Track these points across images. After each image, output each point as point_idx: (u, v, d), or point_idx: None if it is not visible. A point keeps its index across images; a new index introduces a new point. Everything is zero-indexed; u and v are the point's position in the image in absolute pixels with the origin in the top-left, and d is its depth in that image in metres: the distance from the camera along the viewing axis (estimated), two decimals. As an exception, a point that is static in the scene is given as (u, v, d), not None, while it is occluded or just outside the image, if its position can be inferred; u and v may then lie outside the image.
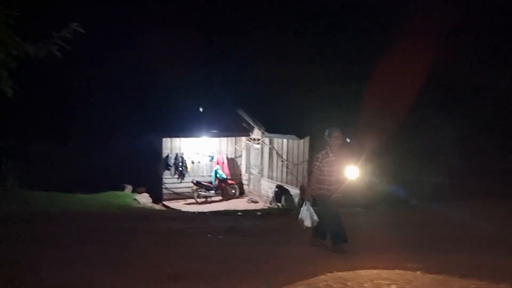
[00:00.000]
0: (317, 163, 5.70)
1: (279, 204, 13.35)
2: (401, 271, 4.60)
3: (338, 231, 5.64)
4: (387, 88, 13.70)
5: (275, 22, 16.78)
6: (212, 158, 15.97)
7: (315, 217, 5.63)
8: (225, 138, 16.22)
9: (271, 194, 14.16)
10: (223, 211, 10.43)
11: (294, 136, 13.00)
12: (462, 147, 11.70)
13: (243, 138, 16.30)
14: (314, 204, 5.75)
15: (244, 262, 5.43)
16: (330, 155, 5.66)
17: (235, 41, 16.82)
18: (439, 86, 13.08)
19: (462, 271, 4.65)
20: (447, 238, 6.50)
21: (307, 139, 12.94)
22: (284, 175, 14.18)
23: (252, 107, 15.07)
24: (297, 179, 13.45)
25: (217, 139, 16.02)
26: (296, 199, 13.08)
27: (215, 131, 15.05)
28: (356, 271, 4.71)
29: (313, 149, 12.87)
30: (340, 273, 4.70)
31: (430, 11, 14.07)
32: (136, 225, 8.43)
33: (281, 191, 13.71)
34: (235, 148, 16.59)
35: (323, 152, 5.73)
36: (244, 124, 15.49)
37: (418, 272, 4.53)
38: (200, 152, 15.95)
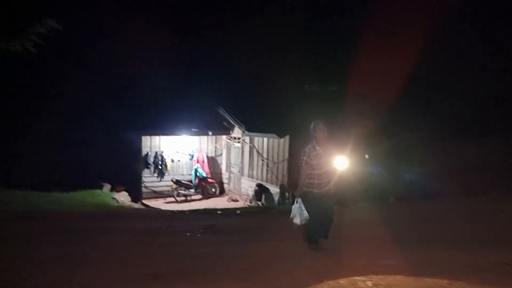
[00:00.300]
0: (305, 158, 5.51)
1: (259, 203, 13.38)
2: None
3: (315, 230, 5.55)
4: (366, 88, 13.88)
5: (257, 21, 16.78)
6: (192, 157, 15.89)
7: (305, 214, 5.46)
8: (206, 137, 16.16)
9: (251, 192, 14.17)
10: (203, 209, 10.40)
11: (274, 135, 13.05)
12: (439, 146, 11.93)
13: (224, 137, 16.27)
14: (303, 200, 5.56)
15: (222, 261, 5.44)
16: (317, 148, 5.52)
17: (216, 40, 16.76)
18: (417, 86, 13.29)
19: (438, 268, 4.75)
20: (418, 235, 6.61)
21: (287, 138, 13.00)
22: (265, 173, 14.21)
23: (233, 106, 15.07)
24: (277, 177, 13.50)
25: (197, 138, 15.95)
26: (276, 198, 13.14)
27: (196, 129, 14.97)
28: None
29: (293, 148, 12.97)
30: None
31: (410, 11, 14.26)
32: (114, 224, 8.33)
33: (261, 190, 13.73)
34: (216, 147, 16.54)
35: (309, 146, 5.57)
36: (224, 123, 15.46)
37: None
38: (180, 151, 15.85)
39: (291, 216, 5.60)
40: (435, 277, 4.35)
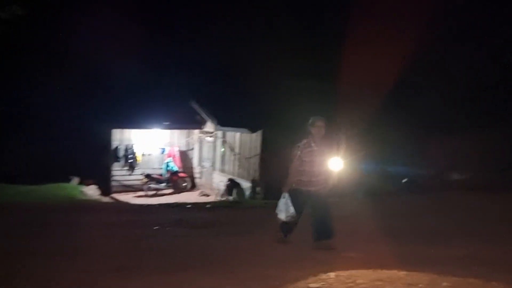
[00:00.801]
0: (298, 153, 5.34)
1: (231, 198, 13.41)
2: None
3: (286, 226, 5.48)
4: (344, 85, 14.07)
5: (231, 12, 16.69)
6: (164, 151, 15.77)
7: (291, 211, 5.28)
8: (177, 131, 16.05)
9: (223, 187, 14.18)
10: (172, 203, 10.37)
11: (246, 130, 13.08)
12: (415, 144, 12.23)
13: (196, 131, 16.20)
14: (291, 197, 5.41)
15: (189, 254, 5.47)
16: (312, 145, 5.34)
17: (188, 32, 16.61)
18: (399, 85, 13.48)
19: (399, 260, 4.91)
20: (385, 229, 6.78)
21: (259, 133, 13.06)
22: (236, 168, 14.25)
23: (206, 99, 15.00)
24: (249, 172, 13.55)
25: (169, 131, 15.82)
26: (248, 193, 13.20)
27: (167, 123, 14.85)
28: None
29: (266, 143, 13.04)
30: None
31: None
32: (80, 218, 8.21)
33: (232, 185, 13.76)
34: (188, 141, 16.46)
35: (304, 141, 5.39)
36: (197, 117, 15.39)
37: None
38: (151, 144, 15.69)
39: (276, 210, 5.46)
40: (394, 269, 4.51)
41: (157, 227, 7.27)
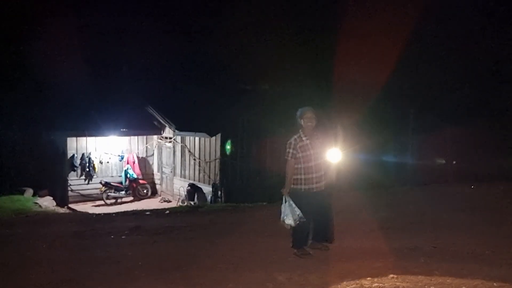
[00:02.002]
0: (290, 150, 4.94)
1: (192, 203, 13.31)
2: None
3: (301, 233, 5.02)
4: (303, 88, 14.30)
5: (186, 17, 16.61)
6: (122, 158, 15.44)
7: (298, 212, 4.82)
8: (135, 137, 15.77)
9: (184, 192, 14.06)
10: (131, 211, 10.18)
11: (205, 134, 13.05)
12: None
13: (155, 137, 15.98)
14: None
15: (144, 261, 5.39)
16: (304, 138, 4.97)
17: (142, 36, 16.36)
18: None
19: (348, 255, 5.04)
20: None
21: (218, 136, 13.06)
22: (197, 173, 14.16)
23: (163, 104, 14.83)
24: (209, 177, 13.51)
25: (127, 138, 15.52)
26: (209, 197, 13.15)
27: (124, 129, 14.56)
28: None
29: (225, 147, 13.06)
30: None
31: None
32: (34, 230, 7.94)
33: (194, 190, 13.67)
34: (146, 147, 16.21)
35: (295, 136, 5.00)
36: (155, 123, 15.19)
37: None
38: (109, 152, 15.35)
39: (281, 217, 4.94)
40: (344, 263, 4.65)
41: (112, 236, 7.11)
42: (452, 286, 3.90)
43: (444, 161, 12.56)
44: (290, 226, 4.89)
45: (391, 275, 4.23)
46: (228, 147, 13.34)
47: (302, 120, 4.99)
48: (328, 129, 5.98)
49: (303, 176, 4.94)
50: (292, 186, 4.97)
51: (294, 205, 4.85)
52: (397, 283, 4.02)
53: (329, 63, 14.21)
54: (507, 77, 13.40)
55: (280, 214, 4.97)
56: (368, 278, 4.21)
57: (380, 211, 7.59)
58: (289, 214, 4.84)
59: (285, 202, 4.93)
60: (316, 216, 5.06)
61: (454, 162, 12.36)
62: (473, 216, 6.80)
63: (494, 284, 3.87)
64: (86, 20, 15.70)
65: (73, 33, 14.43)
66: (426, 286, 3.94)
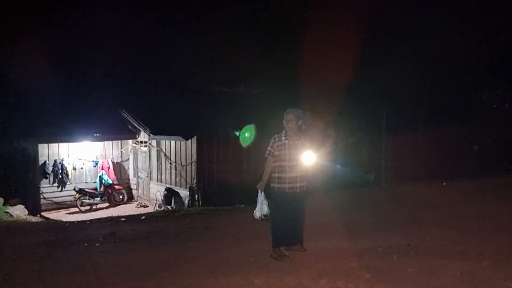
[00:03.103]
0: (269, 148, 5.10)
1: (169, 207, 13.17)
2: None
3: (281, 233, 5.06)
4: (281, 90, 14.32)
5: (160, 19, 16.42)
6: (97, 163, 15.15)
7: (266, 209, 5.20)
8: (110, 142, 15.49)
9: (160, 197, 13.90)
10: (105, 218, 9.98)
11: (180, 137, 12.93)
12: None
13: (130, 141, 15.73)
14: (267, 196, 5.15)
15: (118, 269, 5.29)
16: (283, 138, 5.09)
17: (115, 39, 16.08)
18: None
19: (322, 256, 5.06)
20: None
21: (194, 139, 12.95)
22: (173, 177, 14.02)
23: (137, 108, 14.63)
24: (186, 180, 13.39)
25: (101, 143, 15.23)
26: (186, 201, 13.03)
27: (98, 134, 14.28)
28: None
29: (201, 150, 12.96)
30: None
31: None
32: (3, 240, 7.68)
33: (170, 194, 13.52)
34: (121, 152, 15.95)
35: (276, 135, 5.17)
36: (129, 127, 14.96)
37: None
38: (82, 158, 15.03)
39: (254, 210, 5.46)
40: (320, 264, 4.67)
41: (85, 244, 6.95)
42: (424, 282, 3.96)
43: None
44: (256, 218, 5.30)
45: (366, 275, 4.26)
46: (246, 134, 12.33)
47: (284, 121, 5.13)
48: (317, 133, 6.02)
49: (276, 175, 5.06)
50: (276, 185, 5.08)
51: (265, 202, 5.18)
52: (372, 282, 4.06)
53: (303, 64, 14.30)
54: (479, 82, 13.79)
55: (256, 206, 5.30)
56: (343, 279, 4.24)
57: (354, 211, 7.69)
58: (258, 209, 5.28)
59: (260, 195, 5.27)
60: (288, 217, 5.06)
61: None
62: (443, 212, 6.94)
63: (464, 278, 3.95)
64: (56, 23, 15.34)
65: (41, 37, 14.07)
66: (399, 284, 3.98)
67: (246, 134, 12.22)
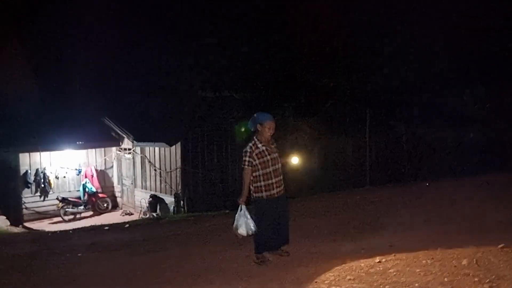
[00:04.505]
0: (247, 158, 4.85)
1: (155, 214, 13.07)
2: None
3: (265, 240, 4.97)
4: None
5: (142, 25, 16.29)
6: (80, 172, 14.96)
7: (252, 225, 4.79)
8: (93, 150, 15.32)
9: (145, 204, 13.78)
10: (89, 226, 9.87)
11: (164, 144, 12.86)
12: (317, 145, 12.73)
13: (113, 149, 15.59)
14: (252, 208, 4.92)
15: (101, 279, 5.23)
16: (259, 145, 4.88)
17: (96, 44, 15.92)
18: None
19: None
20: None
21: (178, 145, 12.90)
22: (158, 183, 13.93)
23: (120, 115, 14.51)
24: (171, 187, 13.32)
25: (84, 151, 15.05)
26: (172, 207, 12.95)
27: (81, 142, 14.11)
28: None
29: (185, 156, 12.90)
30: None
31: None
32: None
33: (155, 201, 13.42)
34: (105, 159, 15.79)
35: (250, 144, 4.91)
36: (113, 134, 14.83)
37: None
38: (65, 166, 14.83)
39: (234, 226, 4.92)
40: (302, 268, 4.68)
41: (68, 254, 6.86)
42: (406, 284, 3.99)
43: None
44: (242, 235, 4.90)
45: (348, 277, 4.28)
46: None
47: (261, 126, 4.91)
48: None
49: (262, 183, 4.88)
50: (254, 195, 4.92)
51: (249, 216, 4.81)
52: (354, 285, 4.08)
53: (285, 67, 14.33)
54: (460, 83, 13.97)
55: (234, 222, 4.93)
56: (326, 282, 4.25)
57: (336, 213, 7.72)
58: (243, 225, 4.82)
59: (240, 210, 4.87)
60: (275, 222, 5.00)
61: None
62: (426, 213, 7.02)
63: (445, 279, 3.99)
64: (37, 30, 15.14)
65: (22, 44, 13.87)
66: (381, 286, 4.01)
67: (242, 129, 12.39)
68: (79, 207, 14.25)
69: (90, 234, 8.63)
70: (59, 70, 15.13)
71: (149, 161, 14.17)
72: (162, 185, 13.73)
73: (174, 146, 12.93)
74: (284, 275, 4.60)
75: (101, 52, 15.49)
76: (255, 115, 5.02)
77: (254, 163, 4.87)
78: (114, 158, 15.80)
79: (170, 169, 13.32)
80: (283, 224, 5.09)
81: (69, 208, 14.05)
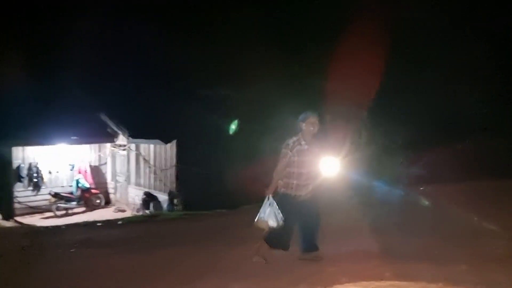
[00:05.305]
0: (287, 151, 4.72)
1: (148, 212, 13.00)
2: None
3: (277, 239, 4.82)
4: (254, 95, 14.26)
5: (139, 20, 16.16)
6: (73, 167, 14.85)
7: (281, 215, 4.64)
8: (87, 145, 15.22)
9: (139, 201, 13.71)
10: (82, 222, 9.79)
11: (159, 141, 12.79)
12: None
13: (108, 145, 15.49)
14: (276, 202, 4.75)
15: (93, 275, 5.19)
16: (302, 143, 4.76)
17: (95, 40, 15.76)
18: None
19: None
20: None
21: (174, 143, 12.84)
22: (152, 181, 13.86)
23: (117, 111, 14.40)
24: (165, 185, 13.25)
25: (78, 146, 14.93)
26: (165, 205, 12.89)
27: (75, 137, 14.00)
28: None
29: (181, 154, 12.84)
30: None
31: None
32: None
33: (149, 198, 13.36)
34: (99, 155, 15.69)
35: (294, 138, 4.78)
36: (108, 130, 14.71)
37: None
38: (58, 161, 14.72)
39: (258, 218, 4.74)
40: (298, 269, 4.65)
41: (60, 250, 6.79)
42: (400, 286, 3.99)
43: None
44: (273, 227, 4.69)
45: (344, 280, 4.27)
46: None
47: (304, 124, 4.78)
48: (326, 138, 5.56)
49: (294, 182, 4.75)
50: (281, 189, 4.79)
51: (277, 207, 4.67)
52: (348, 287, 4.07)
53: (288, 68, 14.24)
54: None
55: (258, 214, 4.74)
56: (322, 283, 4.24)
57: (330, 217, 7.68)
58: (272, 216, 4.65)
59: (267, 200, 4.73)
60: (305, 224, 4.88)
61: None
62: (422, 217, 7.03)
63: (440, 284, 4.00)
64: (31, 23, 14.98)
65: (16, 37, 13.73)
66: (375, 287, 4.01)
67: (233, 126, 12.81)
68: (72, 203, 14.14)
69: (83, 230, 8.56)
70: (55, 63, 14.98)
71: (144, 158, 14.09)
72: (157, 182, 13.66)
73: (169, 144, 12.86)
74: (279, 276, 4.58)
75: (100, 46, 15.39)
76: (300, 115, 4.87)
77: (292, 158, 4.73)
78: (109, 154, 15.70)
79: (165, 166, 13.26)
80: (313, 227, 4.92)
81: (61, 203, 13.94)
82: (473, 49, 12.89)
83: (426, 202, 7.87)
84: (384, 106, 12.76)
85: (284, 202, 4.74)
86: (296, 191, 4.77)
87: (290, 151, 4.72)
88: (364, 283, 4.20)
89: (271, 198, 4.72)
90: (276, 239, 4.80)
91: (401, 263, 4.70)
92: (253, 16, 15.07)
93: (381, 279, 4.24)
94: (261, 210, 4.74)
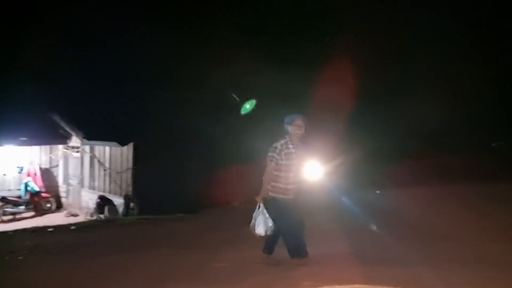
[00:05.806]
0: (275, 155, 4.61)
1: (102, 216, 12.53)
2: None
3: (298, 244, 4.74)
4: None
5: (96, 20, 15.64)
6: (22, 169, 14.10)
7: (270, 223, 4.56)
8: (38, 147, 14.50)
9: (93, 205, 13.18)
10: (31, 228, 9.26)
11: (115, 143, 12.36)
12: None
13: (60, 146, 14.83)
14: (266, 207, 4.65)
15: (44, 284, 4.88)
16: (290, 146, 4.67)
17: (47, 37, 15.07)
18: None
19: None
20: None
21: (130, 145, 12.45)
22: (107, 184, 13.38)
23: (70, 112, 13.79)
24: (121, 188, 12.82)
25: (27, 148, 14.20)
26: (121, 209, 12.47)
27: (24, 138, 13.29)
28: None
29: (138, 156, 12.46)
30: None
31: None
32: None
33: (103, 202, 12.88)
34: (50, 157, 14.98)
35: (281, 141, 4.68)
36: (61, 131, 14.07)
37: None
38: (5, 163, 13.93)
39: (251, 225, 4.67)
40: (262, 274, 4.59)
41: (7, 257, 6.37)
42: (360, 288, 4.02)
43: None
44: (260, 235, 4.65)
45: (306, 284, 4.25)
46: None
47: (290, 126, 4.71)
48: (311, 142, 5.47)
49: (281, 185, 4.68)
50: (269, 193, 4.69)
51: (267, 214, 4.59)
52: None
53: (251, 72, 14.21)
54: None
55: (252, 220, 4.68)
56: (285, 287, 4.20)
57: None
58: (261, 224, 4.59)
59: (258, 209, 4.65)
60: (290, 230, 4.77)
61: None
62: (384, 220, 7.17)
63: (399, 282, 4.06)
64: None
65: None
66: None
67: (247, 106, 12.02)
68: (20, 207, 13.42)
69: (32, 236, 8.09)
70: (3, 59, 14.20)
71: (99, 161, 13.59)
72: (112, 186, 13.20)
73: (126, 146, 12.46)
74: (241, 281, 4.49)
75: (53, 43, 14.72)
76: (286, 118, 4.80)
77: (280, 162, 4.65)
78: (61, 157, 15.03)
79: (121, 169, 12.84)
80: (298, 233, 4.80)
81: (8, 207, 13.19)
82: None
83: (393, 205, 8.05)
84: (364, 115, 13.05)
85: (273, 207, 4.67)
86: (284, 194, 4.70)
87: (278, 155, 4.65)
88: (326, 287, 4.19)
89: (261, 206, 4.65)
90: (298, 245, 4.75)
91: (365, 265, 4.75)
92: (216, 14, 14.95)
93: (343, 282, 4.25)
94: (253, 216, 4.69)
